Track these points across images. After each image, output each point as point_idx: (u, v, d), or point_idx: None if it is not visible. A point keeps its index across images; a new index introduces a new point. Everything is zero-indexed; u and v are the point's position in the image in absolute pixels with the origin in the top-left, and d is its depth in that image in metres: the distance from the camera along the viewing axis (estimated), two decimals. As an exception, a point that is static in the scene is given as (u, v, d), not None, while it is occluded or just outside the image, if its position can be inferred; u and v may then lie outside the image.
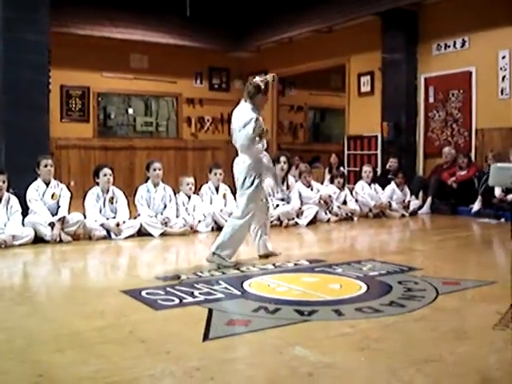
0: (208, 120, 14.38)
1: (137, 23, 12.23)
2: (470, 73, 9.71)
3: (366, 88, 11.54)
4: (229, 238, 5.18)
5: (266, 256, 5.55)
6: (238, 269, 4.98)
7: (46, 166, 6.79)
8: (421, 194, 9.74)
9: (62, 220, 6.60)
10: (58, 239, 6.45)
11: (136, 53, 13.18)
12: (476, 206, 8.78)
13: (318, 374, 2.60)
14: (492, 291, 4.12)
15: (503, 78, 9.22)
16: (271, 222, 7.85)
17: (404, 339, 3.15)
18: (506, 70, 9.18)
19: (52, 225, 6.50)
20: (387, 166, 10.30)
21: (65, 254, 6.01)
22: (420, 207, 9.49)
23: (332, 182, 9.38)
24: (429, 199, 9.49)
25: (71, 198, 6.94)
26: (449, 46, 10.07)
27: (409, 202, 9.40)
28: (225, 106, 14.52)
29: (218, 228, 7.46)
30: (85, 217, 6.84)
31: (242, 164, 5.28)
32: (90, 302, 3.96)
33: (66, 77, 12.25)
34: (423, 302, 3.81)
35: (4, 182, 6.41)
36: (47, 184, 6.81)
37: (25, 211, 6.61)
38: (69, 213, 6.75)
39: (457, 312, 3.67)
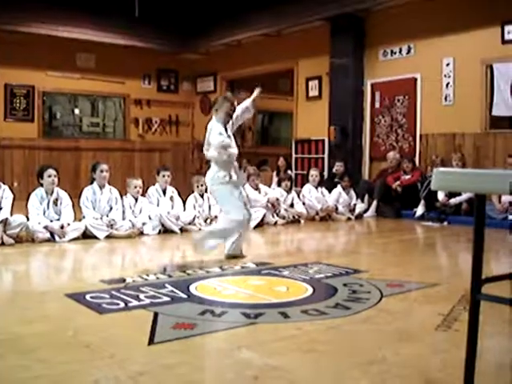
0: (156, 121, 14.27)
1: (84, 22, 12.04)
2: (415, 79, 9.92)
3: (313, 92, 11.66)
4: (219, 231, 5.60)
5: (234, 257, 5.60)
6: (184, 271, 4.95)
7: (-13, 166, 6.61)
8: (366, 197, 9.89)
9: (4, 222, 6.42)
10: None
11: (83, 52, 12.98)
12: (419, 210, 8.97)
13: (264, 377, 2.60)
14: (435, 293, 4.21)
15: (447, 84, 9.45)
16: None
17: (349, 341, 3.18)
18: (449, 77, 9.41)
19: (-7, 227, 6.33)
20: (334, 170, 10.42)
21: (7, 257, 5.85)
22: (365, 210, 9.64)
23: (279, 185, 9.43)
24: (374, 203, 9.65)
25: (14, 199, 6.77)
26: (395, 53, 10.26)
27: (354, 205, 9.53)
28: (173, 107, 14.47)
29: (164, 230, 7.42)
30: (28, 219, 6.69)
31: (211, 173, 5.60)
32: (32, 306, 3.86)
33: (10, 75, 11.99)
34: (368, 303, 3.86)
35: None
36: (-11, 185, 6.63)
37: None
38: (11, 215, 6.58)
39: (401, 314, 3.73)
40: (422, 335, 3.25)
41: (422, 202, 8.97)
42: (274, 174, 11.92)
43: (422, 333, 3.29)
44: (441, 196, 8.70)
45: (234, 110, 5.75)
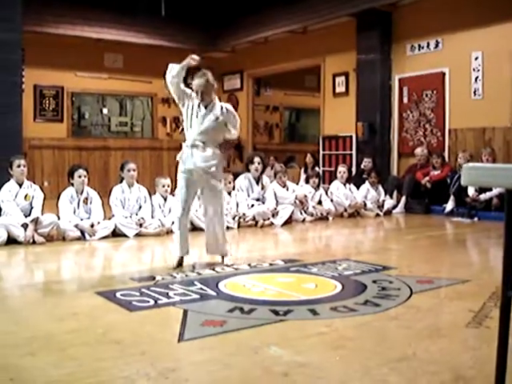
0: (183, 120, 14.30)
1: (111, 22, 12.14)
2: (444, 73, 9.81)
3: (340, 88, 11.61)
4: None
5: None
6: (213, 269, 4.97)
7: (18, 166, 6.71)
8: (395, 193, 9.82)
9: (36, 221, 6.53)
10: (31, 240, 6.38)
11: (110, 52, 13.10)
12: (449, 206, 8.88)
13: (292, 373, 2.60)
14: (465, 289, 4.17)
15: (476, 78, 9.33)
16: (246, 221, 7.90)
17: (378, 338, 3.17)
18: (478, 71, 9.29)
19: (25, 226, 6.43)
20: (362, 166, 10.37)
21: (38, 256, 5.94)
22: (394, 207, 9.57)
23: (307, 181, 9.41)
24: (403, 199, 9.58)
25: (44, 198, 6.87)
26: (422, 47, 10.16)
27: (383, 201, 9.47)
28: (200, 105, 14.47)
29: (194, 229, 7.45)
30: (59, 218, 6.78)
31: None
32: (63, 303, 3.92)
33: (40, 76, 12.14)
34: (397, 300, 3.84)
35: (-24, 182, 6.32)
36: (20, 185, 6.73)
37: (-3, 212, 6.54)
38: (42, 214, 6.68)
39: (431, 310, 3.70)
40: (453, 332, 3.22)
41: (452, 197, 8.87)
42: (302, 170, 11.92)
43: (453, 330, 3.26)
44: (471, 191, 8.60)
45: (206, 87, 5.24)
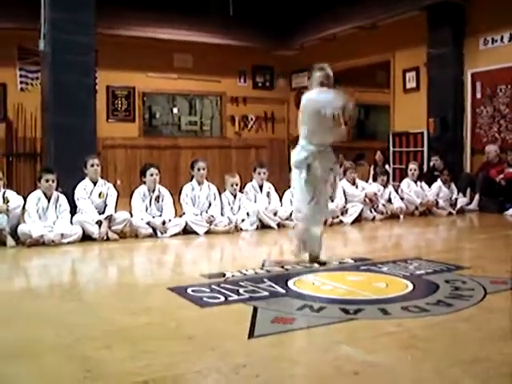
0: (251, 119, 14.41)
1: (180, 23, 12.33)
2: (519, 68, 9.49)
3: (411, 84, 11.40)
4: None
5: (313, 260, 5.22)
6: (282, 267, 4.98)
7: (92, 165, 6.91)
8: (468, 191, 9.58)
9: (109, 218, 6.71)
10: (105, 237, 6.57)
11: (180, 52, 13.30)
12: None
13: (363, 372, 2.58)
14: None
15: (553, 71, 8.98)
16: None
17: (451, 339, 3.10)
18: (556, 63, 8.95)
19: (99, 223, 6.63)
20: (430, 164, 10.16)
21: (112, 252, 6.11)
22: (467, 205, 9.33)
23: (375, 179, 9.29)
24: (476, 196, 9.33)
25: (118, 196, 7.05)
26: (496, 41, 9.86)
27: (456, 199, 9.25)
28: (268, 104, 14.56)
29: (262, 226, 7.49)
30: (131, 215, 6.94)
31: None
32: (136, 298, 4.01)
33: (112, 77, 12.45)
34: (471, 301, 3.75)
35: (53, 181, 6.55)
36: (94, 183, 6.94)
37: (73, 210, 6.75)
38: (116, 211, 6.86)
39: (505, 312, 3.59)
40: (530, 334, 3.12)
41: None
42: (371, 168, 11.76)
43: (530, 331, 3.16)
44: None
45: (328, 79, 5.04)
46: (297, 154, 5.13)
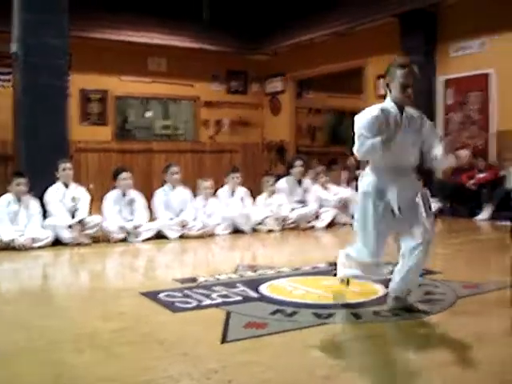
0: (226, 123, 14.40)
1: (154, 27, 12.28)
2: (489, 75, 9.63)
3: (384, 90, 11.49)
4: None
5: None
6: (255, 271, 4.98)
7: (64, 169, 6.85)
8: (440, 196, 9.67)
9: (81, 222, 6.66)
10: (76, 241, 6.50)
11: (154, 56, 13.24)
12: (484, 214, 8.71)
13: (334, 376, 2.60)
14: (510, 295, 4.08)
15: (522, 79, 9.14)
16: (289, 224, 7.90)
17: (422, 342, 3.13)
18: (525, 71, 9.10)
19: (71, 227, 6.56)
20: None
21: (84, 256, 6.05)
22: (439, 210, 9.42)
23: (348, 184, 9.34)
24: (448, 202, 9.42)
25: (90, 200, 6.99)
26: (467, 48, 9.99)
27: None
28: (242, 108, 14.56)
29: (235, 231, 7.49)
30: (104, 219, 6.89)
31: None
32: (108, 303, 3.98)
33: (85, 80, 12.33)
34: (442, 305, 3.79)
35: (24, 184, 6.47)
36: (67, 187, 6.87)
37: (44, 214, 6.67)
38: (88, 215, 6.80)
39: (476, 315, 3.63)
40: (499, 338, 3.16)
41: (489, 203, 8.70)
42: (344, 173, 11.83)
43: (499, 336, 3.20)
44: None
45: (412, 78, 3.64)
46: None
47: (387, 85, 3.67)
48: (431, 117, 10.42)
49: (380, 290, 4.27)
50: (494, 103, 9.59)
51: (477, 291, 4.20)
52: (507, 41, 9.30)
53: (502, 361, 2.80)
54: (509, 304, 3.83)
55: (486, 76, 9.66)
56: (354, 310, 3.67)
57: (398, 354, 2.90)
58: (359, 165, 11.60)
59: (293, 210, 8.09)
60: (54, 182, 6.84)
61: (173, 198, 7.42)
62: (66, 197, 6.82)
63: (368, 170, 3.73)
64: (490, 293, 4.21)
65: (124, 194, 7.11)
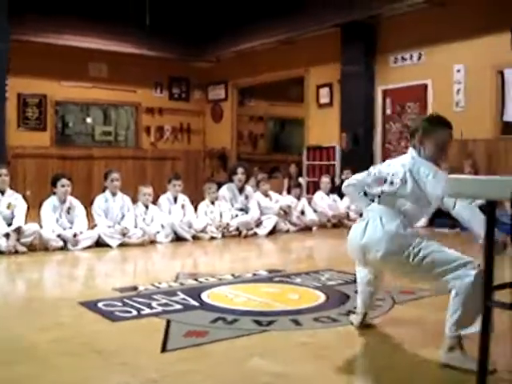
0: (167, 130, 14.33)
1: (96, 32, 12.13)
2: (426, 85, 9.91)
3: (325, 99, 11.67)
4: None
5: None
6: (196, 279, 4.96)
7: (0, 175, 6.66)
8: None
9: (18, 230, 6.48)
10: (13, 250, 6.33)
11: (95, 61, 13.07)
12: (422, 220, 8.90)
13: (275, 383, 2.61)
14: (445, 300, 4.17)
15: (458, 91, 9.43)
16: (230, 232, 7.91)
17: (361, 348, 3.18)
18: (460, 83, 9.39)
19: (7, 235, 6.38)
20: (342, 178, 10.42)
21: (20, 265, 5.90)
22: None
23: (289, 192, 9.44)
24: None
25: (28, 208, 6.82)
26: (405, 59, 10.26)
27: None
28: (184, 115, 14.53)
29: (177, 238, 7.45)
30: (41, 227, 6.73)
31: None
32: (46, 313, 3.89)
33: (23, 85, 12.07)
34: (380, 311, 3.85)
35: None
36: (2, 193, 6.68)
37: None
38: (25, 223, 6.63)
39: (412, 321, 3.72)
40: (435, 342, 3.23)
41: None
42: (286, 181, 11.95)
43: (436, 339, 3.28)
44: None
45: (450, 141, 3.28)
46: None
47: (420, 141, 3.22)
48: (371, 127, 10.65)
49: (321, 296, 4.31)
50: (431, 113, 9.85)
51: (413, 297, 4.30)
52: (444, 52, 9.60)
53: (438, 364, 2.86)
54: (443, 308, 3.93)
55: (423, 87, 9.93)
56: (295, 317, 3.70)
57: (338, 360, 2.94)
58: (300, 172, 11.77)
59: (235, 217, 8.10)
60: (-11, 189, 6.65)
61: (113, 205, 7.32)
62: (1, 204, 6.63)
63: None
64: (427, 298, 4.31)
65: (63, 201, 6.97)
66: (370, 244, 3.15)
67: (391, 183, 3.19)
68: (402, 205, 3.16)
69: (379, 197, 3.23)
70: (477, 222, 2.81)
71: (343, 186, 3.62)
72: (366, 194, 3.40)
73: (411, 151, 3.29)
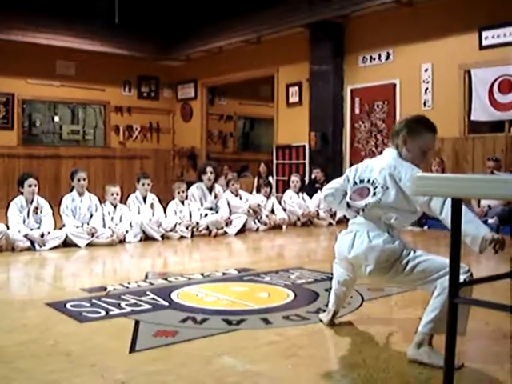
0: (136, 129, 14.23)
1: (63, 29, 11.99)
2: (395, 85, 10.00)
3: (294, 98, 11.70)
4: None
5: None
6: (165, 279, 4.94)
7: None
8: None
9: (-17, 231, 6.38)
10: (-22, 251, 6.24)
11: (62, 59, 12.92)
12: None
13: (245, 382, 2.61)
14: (415, 297, 4.23)
15: (426, 90, 9.53)
16: (200, 231, 7.89)
17: (330, 346, 3.20)
18: (428, 82, 9.50)
19: (-28, 236, 6.29)
20: (312, 176, 10.47)
21: (-14, 266, 5.81)
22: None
23: (258, 191, 9.45)
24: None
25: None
26: (374, 59, 10.34)
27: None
28: (154, 114, 14.44)
29: (146, 238, 7.40)
30: (8, 227, 6.63)
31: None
32: (12, 315, 3.83)
33: (-11, 83, 11.89)
34: (349, 308, 3.88)
35: None
36: (-33, 194, 6.58)
37: None
38: (-10, 223, 6.53)
39: (381, 318, 3.75)
40: (403, 339, 3.27)
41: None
42: (255, 180, 11.94)
43: (403, 337, 3.31)
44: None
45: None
46: None
47: (404, 141, 3.19)
48: (340, 126, 10.71)
49: (290, 294, 4.33)
50: (399, 112, 9.95)
51: (382, 294, 4.34)
52: (412, 52, 9.70)
53: (406, 362, 2.89)
54: (411, 305, 3.98)
55: (391, 86, 10.02)
56: (264, 316, 3.70)
57: (308, 358, 2.95)
58: (270, 171, 11.78)
59: (204, 216, 8.09)
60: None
61: (80, 204, 7.24)
62: (-34, 204, 6.53)
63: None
64: (395, 295, 4.35)
65: (29, 201, 6.87)
66: (357, 258, 3.17)
67: (374, 194, 3.12)
68: (388, 218, 3.10)
69: (363, 210, 3.18)
70: (469, 225, 2.69)
71: (322, 196, 3.56)
72: (348, 205, 3.31)
73: (391, 152, 3.24)
